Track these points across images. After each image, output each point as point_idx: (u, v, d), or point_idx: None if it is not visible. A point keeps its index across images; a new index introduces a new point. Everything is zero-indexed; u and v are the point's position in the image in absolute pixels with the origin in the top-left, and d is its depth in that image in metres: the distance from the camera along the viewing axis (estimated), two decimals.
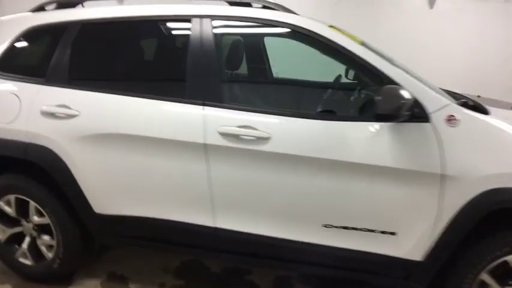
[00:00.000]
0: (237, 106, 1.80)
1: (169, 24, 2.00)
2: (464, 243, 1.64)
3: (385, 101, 1.50)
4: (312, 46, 1.83)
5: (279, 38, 2.00)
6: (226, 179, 1.80)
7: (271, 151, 1.71)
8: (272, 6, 1.92)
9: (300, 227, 1.80)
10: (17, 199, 2.15)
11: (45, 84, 2.04)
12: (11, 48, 2.15)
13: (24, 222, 2.21)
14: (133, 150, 1.89)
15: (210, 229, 1.89)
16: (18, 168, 2.15)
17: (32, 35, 2.15)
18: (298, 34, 1.78)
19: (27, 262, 2.24)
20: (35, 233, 2.21)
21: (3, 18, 2.29)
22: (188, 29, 1.88)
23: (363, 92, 2.00)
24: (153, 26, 2.03)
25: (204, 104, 1.80)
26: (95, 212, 2.03)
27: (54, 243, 2.16)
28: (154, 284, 2.27)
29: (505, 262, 1.62)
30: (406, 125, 1.61)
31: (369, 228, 1.72)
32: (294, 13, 1.90)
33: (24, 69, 2.17)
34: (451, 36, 4.73)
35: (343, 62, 1.83)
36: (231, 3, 1.98)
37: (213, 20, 1.87)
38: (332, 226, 1.75)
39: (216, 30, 1.86)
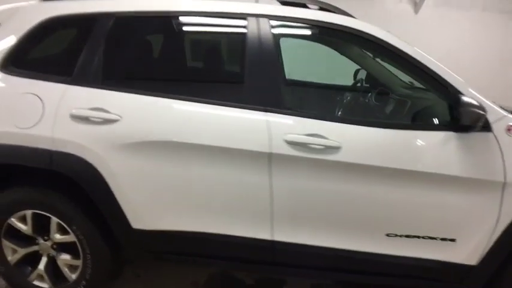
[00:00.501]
0: (303, 113, 1.72)
1: (222, 22, 1.84)
2: None
3: (468, 113, 1.52)
4: (375, 53, 1.80)
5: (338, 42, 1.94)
6: (289, 190, 1.72)
7: (340, 161, 1.66)
8: (330, 9, 1.86)
9: (362, 237, 1.76)
10: (34, 215, 1.89)
11: (73, 84, 1.79)
12: (27, 41, 1.86)
13: (40, 240, 1.95)
14: (184, 159, 1.73)
15: (267, 242, 1.80)
16: (37, 180, 1.89)
17: (52, 26, 1.88)
18: (364, 41, 1.74)
19: (44, 285, 2.00)
20: (53, 252, 1.97)
21: (16, 5, 1.98)
22: (244, 27, 1.76)
23: (420, 100, 2.01)
24: (203, 22, 1.87)
25: (266, 110, 1.70)
26: (132, 228, 1.83)
27: (79, 263, 1.93)
28: None
29: None
30: (472, 135, 1.65)
31: (431, 236, 1.74)
32: (350, 15, 1.85)
33: (44, 65, 1.90)
34: (432, 42, 4.99)
35: (406, 70, 1.82)
36: (283, 3, 1.89)
37: (270, 20, 1.76)
38: (395, 235, 1.75)
39: (274, 31, 1.75)
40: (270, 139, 1.67)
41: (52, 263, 1.98)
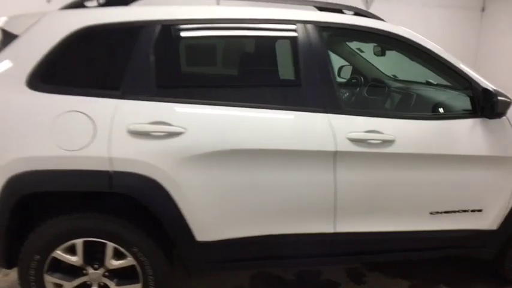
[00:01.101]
0: (359, 111, 1.87)
1: (274, 28, 1.87)
2: None
3: (501, 102, 1.82)
4: (411, 58, 2.02)
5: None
6: (351, 184, 1.86)
7: (395, 152, 1.85)
8: (365, 14, 2.02)
9: (410, 218, 1.99)
10: (85, 243, 1.75)
11: (124, 98, 1.69)
12: (57, 54, 1.69)
13: (90, 269, 1.81)
14: (251, 166, 1.75)
15: (329, 235, 1.93)
16: (88, 205, 1.74)
17: (88, 36, 1.72)
18: (403, 44, 1.95)
19: None
20: (105, 280, 1.84)
21: (34, 13, 1.76)
22: (295, 33, 1.83)
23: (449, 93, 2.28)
24: (255, 29, 1.87)
25: (326, 111, 1.81)
26: (196, 241, 1.81)
27: (138, 286, 1.84)
28: None
29: None
30: (492, 120, 1.97)
31: (464, 209, 2.04)
32: (382, 19, 2.04)
33: (81, 80, 1.75)
34: None
35: (438, 70, 2.07)
36: (320, 9, 2.00)
37: (319, 26, 1.87)
38: (437, 212, 2.01)
39: (325, 37, 1.86)
40: (334, 138, 1.79)
41: None
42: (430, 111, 2.06)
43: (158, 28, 1.73)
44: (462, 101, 2.06)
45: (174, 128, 1.67)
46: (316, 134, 1.78)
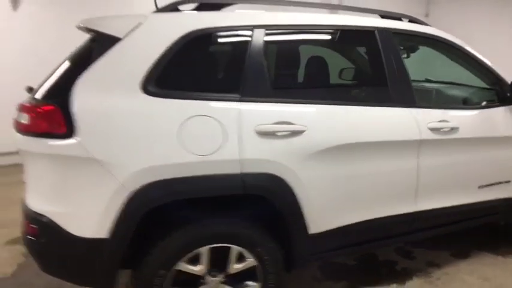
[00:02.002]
0: (432, 105, 2.17)
1: (358, 35, 2.07)
2: None
3: None
4: (451, 57, 2.40)
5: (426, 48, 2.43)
6: (429, 167, 2.14)
7: (460, 137, 2.20)
8: (417, 21, 2.35)
9: (467, 192, 2.35)
10: (210, 250, 1.73)
11: (243, 101, 1.73)
12: (172, 57, 1.65)
13: (209, 278, 1.79)
14: (358, 158, 1.93)
15: (412, 214, 2.19)
16: (215, 209, 1.73)
17: (201, 39, 1.72)
18: (446, 46, 2.31)
19: None
20: (222, 287, 1.83)
21: (135, 15, 1.69)
22: (374, 39, 2.07)
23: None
24: (353, 36, 2.06)
25: (409, 105, 2.08)
26: (308, 234, 1.91)
27: (257, 286, 1.87)
28: None
29: None
30: None
31: (500, 181, 2.48)
32: (428, 25, 2.39)
33: (200, 83, 1.73)
34: None
35: (475, 71, 2.46)
36: (383, 17, 2.27)
37: (398, 34, 2.13)
38: (483, 186, 2.42)
39: (397, 42, 2.13)
40: (419, 129, 2.06)
41: None
42: (470, 103, 2.47)
43: (262, 32, 1.81)
44: (486, 94, 2.51)
45: (297, 126, 1.77)
46: (405, 126, 2.04)
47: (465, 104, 2.45)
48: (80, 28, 1.89)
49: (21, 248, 2.84)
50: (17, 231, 3.04)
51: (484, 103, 2.41)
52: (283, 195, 1.77)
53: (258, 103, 1.75)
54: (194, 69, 1.75)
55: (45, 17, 5.01)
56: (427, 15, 7.27)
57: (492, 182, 2.46)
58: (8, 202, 3.80)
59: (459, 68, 2.45)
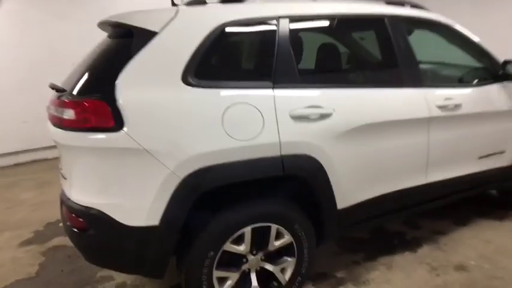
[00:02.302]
0: (437, 84, 2.36)
1: (372, 22, 2.22)
2: None
3: None
4: (449, 39, 2.59)
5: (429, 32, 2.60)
6: (437, 142, 2.32)
7: (463, 113, 2.40)
8: (419, 6, 2.51)
9: (469, 163, 2.57)
10: (252, 230, 1.84)
11: (275, 88, 1.82)
12: (207, 49, 1.72)
13: (250, 256, 1.90)
14: (378, 136, 2.08)
15: (423, 186, 2.38)
16: (254, 192, 1.83)
17: (228, 32, 1.79)
18: (445, 29, 2.49)
19: None
20: (262, 264, 1.95)
21: (167, 9, 1.73)
22: (384, 25, 2.21)
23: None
24: (369, 23, 2.20)
25: (418, 86, 2.25)
26: (337, 209, 2.06)
27: (293, 262, 2.00)
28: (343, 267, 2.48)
29: None
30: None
31: (495, 152, 2.71)
32: (428, 10, 2.56)
33: (234, 73, 1.81)
34: None
35: (470, 52, 2.65)
36: (388, 3, 2.42)
37: (403, 20, 2.28)
38: (482, 157, 2.65)
39: (406, 28, 2.29)
40: (428, 107, 2.24)
41: (262, 276, 1.96)
42: (467, 81, 2.67)
43: (294, 21, 1.91)
44: (479, 73, 2.72)
45: (325, 110, 1.89)
46: (417, 105, 2.21)
47: (462, 82, 2.66)
48: (104, 24, 1.92)
49: (37, 248, 2.85)
50: (26, 232, 3.06)
51: (478, 81, 2.62)
52: (317, 174, 1.89)
53: (289, 89, 1.85)
54: (228, 59, 1.83)
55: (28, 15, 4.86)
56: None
57: (490, 152, 2.69)
58: (9, 204, 3.74)
59: (451, 49, 2.64)
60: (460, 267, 2.42)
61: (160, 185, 1.59)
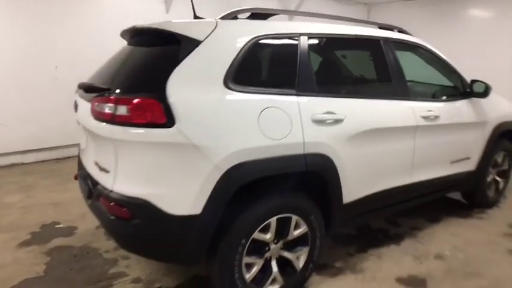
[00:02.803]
0: (420, 98, 2.78)
1: (368, 42, 2.61)
2: None
3: (489, 87, 3.03)
4: (427, 60, 3.06)
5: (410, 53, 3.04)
6: (421, 147, 2.74)
7: (440, 123, 2.85)
8: (404, 30, 2.95)
9: (443, 167, 3.03)
10: (277, 220, 2.09)
11: (299, 95, 2.11)
12: (243, 58, 1.97)
13: (272, 245, 2.15)
14: (379, 140, 2.43)
15: (409, 185, 2.77)
16: (280, 185, 2.08)
17: (260, 45, 2.06)
18: (424, 51, 2.96)
19: (276, 286, 2.19)
20: (281, 252, 2.20)
21: (207, 21, 1.97)
22: (378, 46, 2.62)
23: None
24: (363, 43, 2.56)
25: (406, 99, 2.66)
26: (343, 203, 2.37)
27: (306, 250, 2.27)
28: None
29: None
30: (474, 99, 3.19)
31: (463, 157, 3.21)
32: (411, 35, 3.01)
33: (265, 80, 2.08)
34: None
35: (441, 72, 3.15)
36: (381, 28, 2.83)
37: (393, 42, 2.70)
38: (453, 161, 3.12)
39: (395, 49, 2.71)
40: (415, 117, 2.65)
41: (280, 263, 2.20)
42: (441, 97, 3.16)
43: (311, 38, 2.23)
44: (451, 89, 3.22)
45: (339, 115, 2.21)
46: (407, 115, 2.61)
47: (439, 97, 3.14)
48: (137, 30, 2.11)
49: (38, 249, 2.85)
50: (22, 234, 3.04)
51: (451, 96, 3.12)
52: (330, 170, 2.19)
53: (309, 97, 2.15)
54: (260, 68, 2.10)
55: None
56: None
57: (459, 158, 3.18)
58: None
59: (429, 69, 3.12)
60: (439, 257, 2.83)
61: (205, 177, 1.80)
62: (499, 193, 3.79)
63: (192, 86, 1.83)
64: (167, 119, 1.74)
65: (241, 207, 1.96)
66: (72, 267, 2.63)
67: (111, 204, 1.85)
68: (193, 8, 2.45)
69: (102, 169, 1.96)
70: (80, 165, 2.57)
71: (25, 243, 2.92)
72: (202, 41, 1.91)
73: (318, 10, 7.03)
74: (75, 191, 3.82)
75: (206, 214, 1.83)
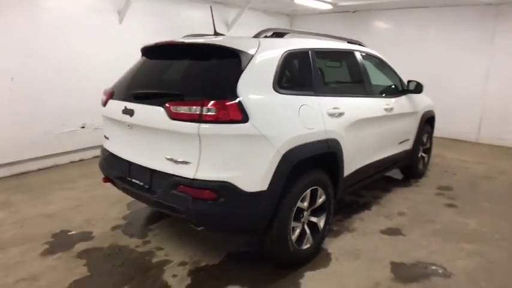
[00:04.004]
0: (380, 95, 3.77)
1: (348, 54, 3.46)
2: None
3: (421, 86, 4.19)
4: (376, 65, 4.08)
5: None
6: (384, 131, 3.71)
7: (394, 114, 3.88)
8: (362, 44, 3.92)
9: (392, 147, 4.06)
10: (311, 192, 2.77)
11: (316, 96, 2.84)
12: (280, 68, 2.62)
13: (305, 212, 2.83)
14: (363, 127, 3.29)
15: (376, 161, 3.72)
16: (311, 164, 2.75)
17: (289, 57, 2.72)
18: (373, 58, 3.98)
19: (308, 245, 2.86)
20: (309, 218, 2.89)
21: (254, 40, 2.57)
22: (355, 57, 3.52)
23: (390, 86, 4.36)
24: (347, 55, 3.39)
25: (375, 96, 3.62)
26: (343, 176, 3.17)
27: (324, 215, 3.00)
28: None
29: None
30: (410, 95, 4.35)
31: (405, 139, 4.33)
32: (366, 46, 3.99)
33: (294, 84, 2.76)
34: None
35: (387, 74, 4.20)
36: (349, 42, 3.75)
37: (360, 52, 3.63)
38: (400, 142, 4.21)
39: (363, 57, 3.64)
40: (381, 109, 3.62)
41: (309, 226, 2.88)
42: (391, 93, 4.22)
43: (314, 53, 2.98)
44: (395, 88, 4.31)
45: (341, 110, 3.01)
46: (378, 108, 3.57)
47: (389, 94, 4.20)
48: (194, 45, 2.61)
49: (66, 255, 2.98)
50: (37, 245, 3.16)
51: (396, 94, 4.21)
52: (340, 151, 2.97)
53: (322, 97, 2.89)
54: (291, 75, 2.76)
55: None
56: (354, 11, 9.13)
57: (403, 139, 4.29)
58: None
59: (380, 73, 4.18)
60: (401, 214, 3.85)
61: (270, 159, 2.38)
62: (425, 166, 5.10)
63: (253, 90, 2.40)
64: (243, 116, 2.29)
65: (291, 183, 2.59)
66: (114, 263, 2.88)
67: (197, 189, 2.30)
68: (214, 26, 2.99)
69: (179, 162, 2.38)
70: (112, 169, 2.87)
71: (47, 252, 3.01)
72: (253, 55, 2.49)
73: (251, 21, 8.10)
74: (59, 203, 3.97)
75: (271, 189, 2.41)
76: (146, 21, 6.04)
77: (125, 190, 2.94)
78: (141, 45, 3.06)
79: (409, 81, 4.28)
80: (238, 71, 2.39)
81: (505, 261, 2.93)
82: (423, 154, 4.97)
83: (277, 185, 2.44)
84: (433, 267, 2.84)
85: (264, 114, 2.38)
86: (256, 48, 2.53)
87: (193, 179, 2.32)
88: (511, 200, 4.32)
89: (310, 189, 2.75)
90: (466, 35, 7.12)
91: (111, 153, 2.98)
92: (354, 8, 8.31)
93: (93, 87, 5.38)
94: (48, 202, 4.01)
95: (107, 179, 3.04)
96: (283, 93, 2.56)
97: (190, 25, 6.76)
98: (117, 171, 2.90)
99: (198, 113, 2.25)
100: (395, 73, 4.26)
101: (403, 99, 4.23)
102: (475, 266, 2.85)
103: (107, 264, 2.87)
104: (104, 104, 2.96)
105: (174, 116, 2.33)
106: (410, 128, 4.44)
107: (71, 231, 3.37)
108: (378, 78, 4.02)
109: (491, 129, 7.13)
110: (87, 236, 3.28)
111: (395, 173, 4.95)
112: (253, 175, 2.36)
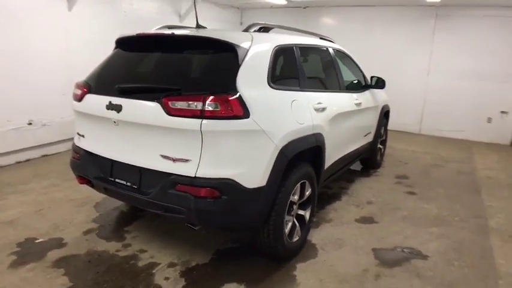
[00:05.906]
0: (351, 91, 3.99)
1: (324, 50, 3.59)
2: None
3: (383, 82, 4.49)
4: (344, 61, 4.30)
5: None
6: (356, 124, 3.96)
7: (361, 108, 4.13)
8: (331, 40, 4.10)
9: (358, 141, 4.33)
10: (300, 185, 2.88)
11: (303, 91, 2.94)
12: (272, 63, 2.67)
13: (294, 206, 2.93)
14: (340, 121, 3.47)
15: (347, 154, 3.95)
16: (300, 158, 2.84)
17: (279, 52, 2.77)
18: (342, 54, 4.20)
19: (297, 237, 2.98)
20: (297, 211, 3.00)
21: (247, 34, 2.57)
22: (329, 52, 3.68)
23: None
24: (324, 50, 3.52)
25: (347, 91, 3.82)
26: (324, 169, 3.33)
27: (310, 207, 3.13)
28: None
29: None
30: (373, 90, 4.65)
31: (368, 132, 4.64)
32: (332, 41, 4.18)
33: (284, 80, 2.81)
34: None
35: (353, 69, 4.43)
36: (321, 38, 3.91)
37: (333, 49, 3.80)
38: (365, 135, 4.49)
39: (335, 53, 3.82)
40: (353, 104, 3.84)
41: (297, 219, 2.99)
42: (357, 89, 4.47)
43: (297, 49, 3.07)
44: (360, 84, 4.58)
45: (324, 105, 3.14)
46: (351, 102, 3.78)
47: (356, 89, 4.45)
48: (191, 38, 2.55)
49: (40, 264, 2.77)
50: (2, 256, 2.81)
51: (361, 88, 4.47)
52: (323, 145, 3.11)
53: (307, 92, 3.00)
54: (280, 71, 2.82)
55: None
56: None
57: (367, 132, 4.58)
58: None
59: (346, 69, 4.41)
60: (369, 202, 4.13)
61: (270, 155, 2.43)
62: (382, 157, 5.50)
63: (251, 85, 2.41)
64: (244, 112, 2.29)
65: (285, 178, 2.66)
66: (97, 270, 2.72)
67: (199, 187, 2.26)
68: (197, 18, 2.94)
69: (177, 160, 2.32)
70: (89, 169, 2.73)
71: (17, 264, 2.75)
72: (248, 49, 2.50)
73: (204, 12, 7.92)
74: (17, 207, 3.64)
75: (270, 184, 2.46)
76: (97, 10, 5.67)
77: (106, 191, 2.79)
78: (116, 36, 2.91)
79: (372, 77, 4.58)
80: (235, 65, 2.39)
81: (469, 241, 3.32)
82: (380, 146, 5.35)
83: (275, 180, 2.50)
84: (410, 251, 3.11)
85: (262, 109, 2.41)
86: (250, 42, 2.54)
87: (194, 177, 2.28)
88: (460, 185, 4.85)
89: (300, 182, 2.85)
90: (409, 33, 7.74)
91: (87, 152, 2.80)
92: (305, 4, 8.59)
93: (44, 80, 4.99)
94: (3, 207, 3.65)
95: (82, 180, 2.85)
96: (275, 88, 2.61)
97: (143, 15, 6.49)
98: (96, 171, 2.74)
99: (199, 108, 2.21)
100: (360, 69, 4.53)
101: (367, 93, 4.51)
102: (445, 248, 3.18)
103: (89, 272, 2.71)
104: (79, 99, 2.76)
105: (172, 112, 2.25)
106: (373, 121, 4.76)
107: (37, 239, 3.11)
108: (346, 73, 4.24)
109: (431, 121, 7.87)
110: (58, 243, 3.06)
111: (355, 165, 5.27)
112: (254, 171, 2.39)
